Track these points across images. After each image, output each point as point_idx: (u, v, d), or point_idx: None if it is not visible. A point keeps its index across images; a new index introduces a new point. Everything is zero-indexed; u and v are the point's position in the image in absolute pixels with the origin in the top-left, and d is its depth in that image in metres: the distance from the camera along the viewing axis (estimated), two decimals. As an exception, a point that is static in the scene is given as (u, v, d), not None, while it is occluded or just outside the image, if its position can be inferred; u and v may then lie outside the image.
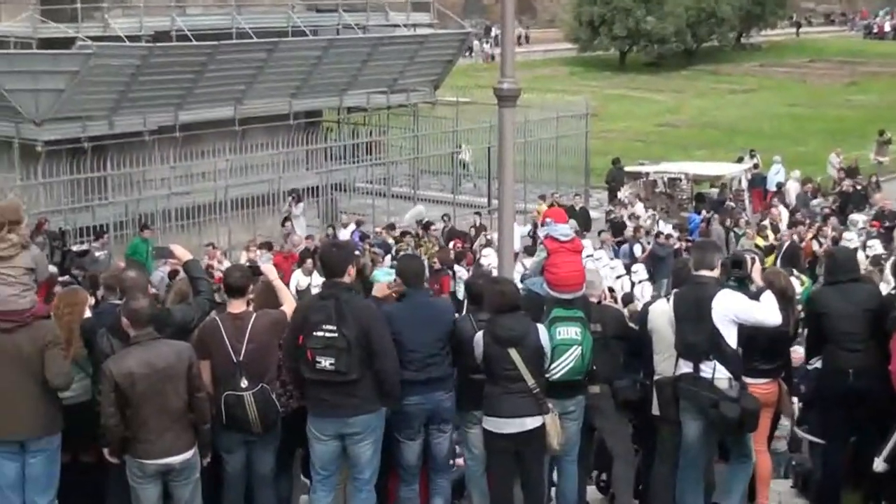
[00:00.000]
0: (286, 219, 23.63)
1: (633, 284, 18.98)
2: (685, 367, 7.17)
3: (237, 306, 7.07)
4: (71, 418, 6.91)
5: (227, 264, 18.96)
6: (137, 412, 6.44)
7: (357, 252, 20.30)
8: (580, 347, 7.37)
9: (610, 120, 40.28)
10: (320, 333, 6.60)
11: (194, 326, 7.01)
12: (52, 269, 16.51)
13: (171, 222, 22.87)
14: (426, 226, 23.23)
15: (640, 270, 19.62)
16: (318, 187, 25.90)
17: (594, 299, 7.86)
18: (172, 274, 17.64)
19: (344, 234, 21.77)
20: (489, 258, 19.59)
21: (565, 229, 7.83)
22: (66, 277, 17.72)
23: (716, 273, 7.19)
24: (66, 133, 21.95)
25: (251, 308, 7.27)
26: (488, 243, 20.84)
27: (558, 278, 7.56)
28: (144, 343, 6.48)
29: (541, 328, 7.26)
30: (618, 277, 19.30)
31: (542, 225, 8.07)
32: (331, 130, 29.41)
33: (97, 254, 20.58)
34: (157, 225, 22.47)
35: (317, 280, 17.58)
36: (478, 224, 23.91)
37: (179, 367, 6.48)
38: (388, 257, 20.57)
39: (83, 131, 22.13)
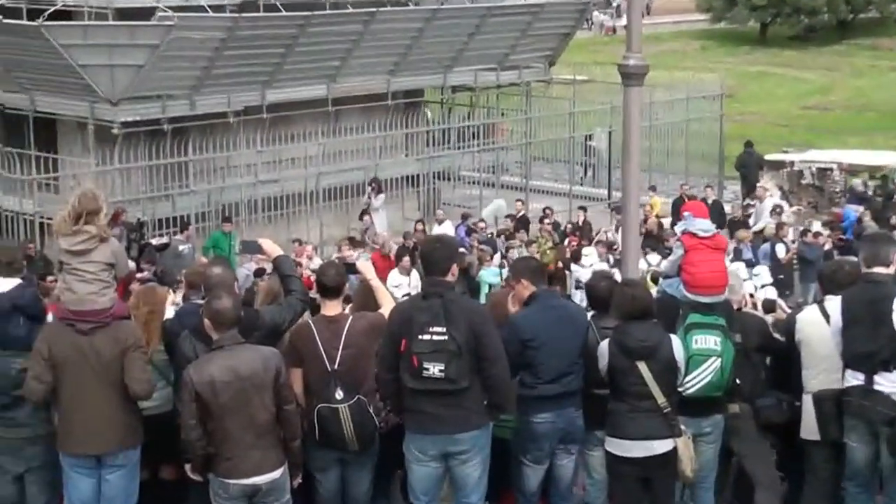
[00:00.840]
0: (364, 212, 23.74)
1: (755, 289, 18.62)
2: (854, 380, 6.99)
3: (332, 308, 7.09)
4: (151, 431, 7.01)
5: (317, 262, 19.20)
6: (220, 425, 6.46)
7: (462, 249, 20.64)
8: (719, 359, 7.26)
9: (748, 101, 39.70)
10: (427, 336, 6.55)
11: (285, 330, 7.06)
12: (132, 264, 16.95)
13: (256, 214, 23.25)
14: (541, 219, 23.15)
15: (762, 273, 19.28)
16: (418, 175, 26.04)
17: (734, 306, 7.75)
18: (259, 272, 17.94)
19: (440, 231, 21.81)
20: (590, 258, 19.44)
21: (706, 224, 7.74)
22: (146, 273, 18.15)
23: (892, 270, 7.01)
24: (145, 114, 22.43)
25: (347, 310, 7.32)
26: (599, 242, 20.67)
27: (696, 279, 7.47)
28: (228, 348, 6.47)
29: (675, 339, 7.16)
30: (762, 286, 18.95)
31: (681, 219, 8.00)
32: (433, 112, 29.55)
33: (181, 247, 21.00)
34: (241, 216, 22.87)
35: (416, 280, 17.67)
36: (581, 220, 23.61)
37: (266, 375, 6.46)
38: (498, 256, 20.58)
39: (162, 112, 22.61)
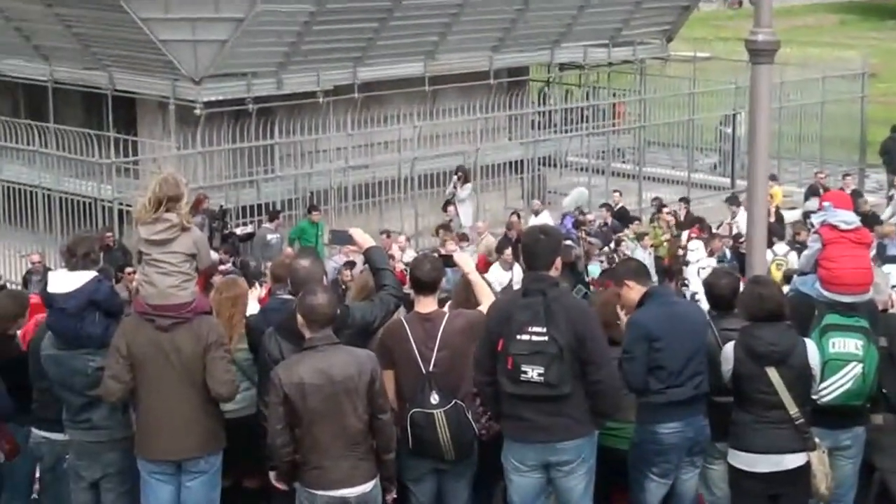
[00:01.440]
0: (448, 202, 23.75)
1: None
2: None
3: (427, 305, 7.09)
4: (233, 435, 7.07)
5: (410, 254, 19.27)
6: (309, 432, 6.47)
7: (569, 242, 20.55)
8: (861, 365, 7.16)
9: (894, 81, 38.79)
10: (526, 337, 6.53)
11: (376, 328, 7.08)
12: (214, 255, 17.18)
13: (346, 202, 23.42)
14: (658, 208, 22.91)
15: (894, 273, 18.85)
16: (522, 161, 26.00)
17: (879, 306, 7.63)
18: (349, 265, 18.07)
19: (537, 223, 21.79)
20: (696, 252, 19.18)
21: (849, 216, 7.66)
22: (228, 265, 18.37)
23: None
24: (229, 93, 22.68)
25: (446, 308, 7.31)
26: (716, 236, 20.39)
27: (835, 275, 7.39)
28: (321, 348, 6.46)
29: (809, 344, 7.06)
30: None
31: (819, 210, 7.91)
32: (539, 92, 29.45)
33: (269, 237, 21.24)
34: (329, 204, 23.04)
35: (519, 276, 17.61)
36: (684, 214, 23.22)
37: (360, 380, 6.43)
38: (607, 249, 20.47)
39: (247, 91, 22.83)
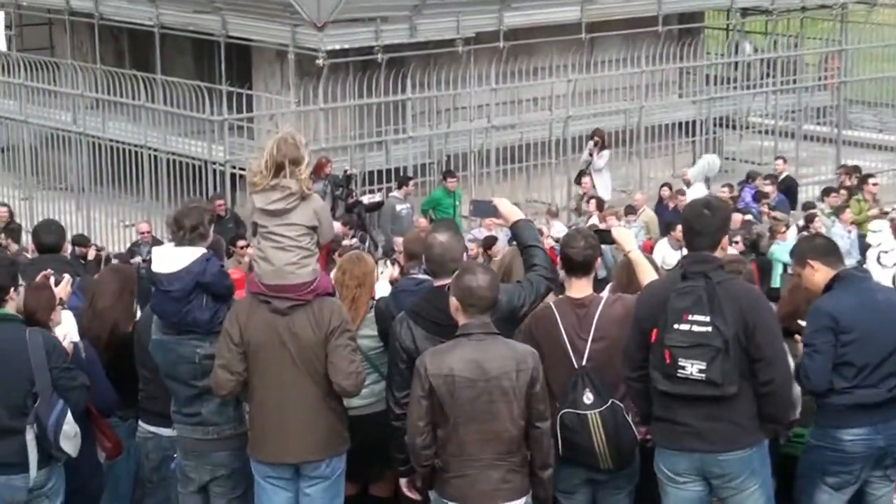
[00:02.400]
0: (581, 174, 23.57)
1: None
2: None
3: (580, 288, 7.13)
4: (359, 436, 7.15)
5: (558, 228, 19.27)
6: (455, 433, 6.45)
7: (749, 217, 20.30)
8: None
9: None
10: (685, 326, 6.49)
11: (523, 315, 7.09)
12: (337, 227, 17.38)
13: (488, 167, 23.47)
14: (863, 178, 22.39)
15: None
16: (694, 122, 25.76)
17: None
18: (490, 240, 18.13)
19: (694, 194, 21.58)
20: (880, 234, 18.73)
21: None
22: (354, 240, 18.56)
23: None
24: (355, 40, 22.87)
25: (606, 291, 7.30)
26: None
27: None
28: (477, 336, 6.45)
29: None
30: None
31: None
32: (716, 42, 29.13)
33: (398, 207, 21.39)
34: (469, 170, 23.12)
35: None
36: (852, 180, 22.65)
37: (519, 379, 6.39)
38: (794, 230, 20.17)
39: (376, 39, 22.98)
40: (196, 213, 7.29)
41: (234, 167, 21.26)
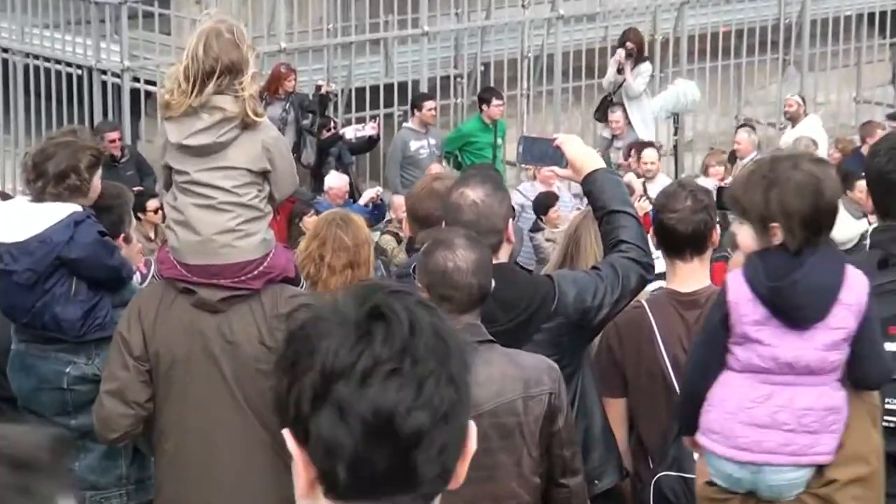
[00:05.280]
0: (607, 103, 23.17)
1: None
2: None
3: (688, 276, 7.50)
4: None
5: (662, 182, 19.33)
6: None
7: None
8: None
9: None
10: (893, 346, 6.73)
11: (603, 319, 7.12)
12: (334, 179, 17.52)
13: (550, 84, 23.63)
14: None
15: None
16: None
17: None
18: (547, 199, 18.20)
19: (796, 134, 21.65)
20: None
21: None
22: (322, 197, 18.61)
23: None
24: None
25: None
26: None
27: None
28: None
29: None
30: None
31: None
32: None
33: (414, 145, 21.42)
34: (519, 89, 23.21)
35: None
36: None
37: (528, 412, 6.55)
38: None
39: None
40: (67, 153, 7.41)
41: (136, 79, 21.40)
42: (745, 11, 24.79)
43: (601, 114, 23.40)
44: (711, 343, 6.68)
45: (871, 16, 25.81)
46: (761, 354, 6.47)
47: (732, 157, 21.52)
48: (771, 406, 6.53)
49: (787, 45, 25.08)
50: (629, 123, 22.98)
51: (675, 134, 23.32)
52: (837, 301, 6.45)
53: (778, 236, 6.35)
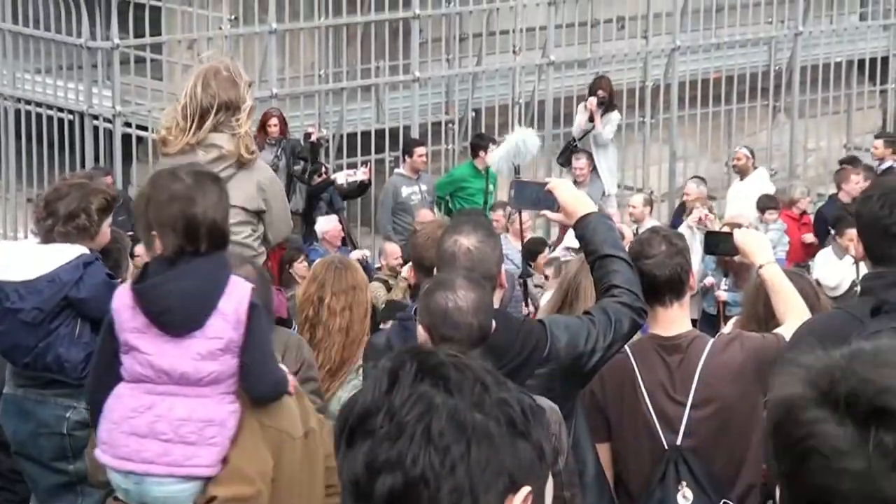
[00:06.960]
0: (571, 149, 23.06)
1: None
2: None
3: (670, 321, 7.51)
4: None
5: (651, 223, 19.46)
6: None
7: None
8: None
9: None
10: None
11: (595, 366, 7.18)
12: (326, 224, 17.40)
13: (541, 130, 23.51)
14: None
15: None
16: (885, 60, 25.99)
17: None
18: (534, 246, 18.21)
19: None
20: None
21: None
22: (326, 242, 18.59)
23: None
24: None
25: (730, 326, 7.52)
26: None
27: None
28: None
29: None
30: None
31: None
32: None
33: (405, 190, 21.46)
34: (513, 127, 23.22)
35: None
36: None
37: None
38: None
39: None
40: (79, 195, 7.41)
41: (128, 124, 21.30)
42: (735, 58, 24.87)
43: (565, 159, 23.45)
44: (102, 352, 6.89)
45: (861, 62, 25.95)
46: (141, 362, 6.69)
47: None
48: (150, 416, 6.73)
49: (778, 91, 25.18)
50: (594, 170, 23.12)
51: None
52: (216, 310, 6.63)
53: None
